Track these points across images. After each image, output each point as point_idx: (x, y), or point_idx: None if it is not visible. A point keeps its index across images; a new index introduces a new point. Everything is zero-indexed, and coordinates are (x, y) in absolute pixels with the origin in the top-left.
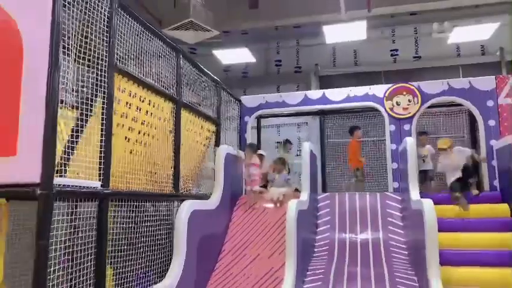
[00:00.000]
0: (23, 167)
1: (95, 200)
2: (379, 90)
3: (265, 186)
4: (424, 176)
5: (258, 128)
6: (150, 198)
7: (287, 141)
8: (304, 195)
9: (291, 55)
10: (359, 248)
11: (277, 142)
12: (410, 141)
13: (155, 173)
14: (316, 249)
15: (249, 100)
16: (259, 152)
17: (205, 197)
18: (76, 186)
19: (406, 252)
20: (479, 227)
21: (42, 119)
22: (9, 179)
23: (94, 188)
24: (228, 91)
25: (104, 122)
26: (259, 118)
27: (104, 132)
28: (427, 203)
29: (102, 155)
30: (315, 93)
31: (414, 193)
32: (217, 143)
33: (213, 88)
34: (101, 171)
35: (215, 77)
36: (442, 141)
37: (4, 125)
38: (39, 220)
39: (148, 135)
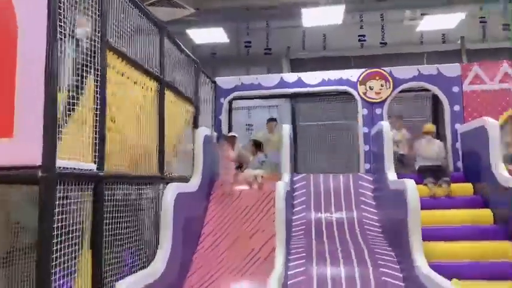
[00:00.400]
0: (22, 149)
1: (90, 183)
2: (353, 74)
3: (239, 167)
4: (399, 160)
5: (230, 110)
6: (140, 180)
7: (272, 120)
8: (286, 177)
9: (261, 37)
10: (335, 226)
11: (248, 124)
12: (386, 125)
13: (141, 156)
14: (293, 229)
15: (224, 81)
16: (232, 133)
17: (185, 179)
18: (74, 168)
19: (380, 230)
20: (449, 204)
21: (41, 98)
22: (5, 162)
23: (90, 170)
24: (204, 72)
25: (98, 101)
26: (230, 101)
27: (97, 112)
28: (410, 183)
29: (97, 135)
30: (290, 77)
31: (391, 174)
32: (195, 125)
33: (191, 69)
34: (96, 153)
35: (194, 58)
36: (431, 126)
37: None
38: (41, 204)
39: (135, 115)
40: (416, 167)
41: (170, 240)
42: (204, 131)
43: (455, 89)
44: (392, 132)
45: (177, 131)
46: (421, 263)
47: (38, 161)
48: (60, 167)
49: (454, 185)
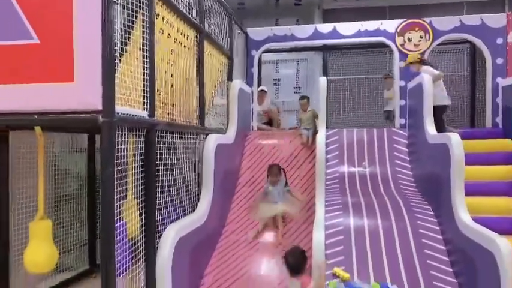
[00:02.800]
0: (82, 93)
1: (143, 130)
2: (391, 25)
3: (269, 123)
4: (388, 115)
5: (259, 63)
6: (184, 130)
7: (304, 97)
8: (323, 129)
9: None
10: (369, 181)
11: (275, 79)
12: (427, 78)
13: (184, 107)
14: (327, 183)
15: (256, 33)
16: (262, 88)
17: (221, 131)
18: (131, 114)
19: (415, 185)
20: (488, 160)
21: (99, 42)
22: (66, 106)
23: (143, 117)
24: (237, 23)
25: (147, 48)
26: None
27: (147, 60)
28: (455, 137)
29: (147, 83)
30: (325, 27)
31: (431, 128)
32: (229, 78)
33: (225, 20)
34: (147, 100)
35: (229, 8)
36: (410, 56)
37: (57, 49)
38: (103, 149)
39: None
40: None
41: (212, 187)
42: (238, 83)
43: (499, 40)
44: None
45: (213, 83)
46: (464, 216)
47: (99, 106)
48: (118, 113)
49: (493, 141)
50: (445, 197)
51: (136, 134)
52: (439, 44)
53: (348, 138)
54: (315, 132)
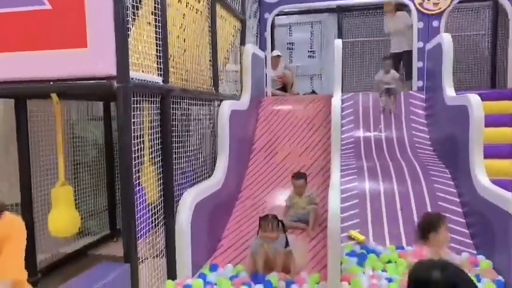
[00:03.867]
0: (96, 59)
1: (158, 96)
2: None
3: (283, 89)
4: (387, 93)
5: (272, 27)
6: (199, 96)
7: (302, 177)
8: (338, 94)
9: None
10: (385, 145)
11: (289, 43)
12: (447, 38)
13: (198, 73)
14: (342, 148)
15: None
16: (276, 52)
17: (235, 98)
18: (145, 80)
19: (432, 149)
20: (505, 122)
21: (111, 5)
22: (80, 73)
23: (157, 83)
24: None
25: (158, 12)
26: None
27: (159, 24)
28: (474, 98)
29: (160, 48)
30: None
31: (450, 90)
32: (242, 42)
33: None
34: (160, 66)
35: None
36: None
37: (69, 15)
38: (119, 116)
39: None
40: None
41: (227, 153)
42: (251, 48)
43: None
44: (381, 74)
45: (226, 48)
46: (482, 179)
47: (113, 72)
48: (132, 78)
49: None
50: (463, 159)
51: (151, 101)
52: (459, 2)
53: (364, 102)
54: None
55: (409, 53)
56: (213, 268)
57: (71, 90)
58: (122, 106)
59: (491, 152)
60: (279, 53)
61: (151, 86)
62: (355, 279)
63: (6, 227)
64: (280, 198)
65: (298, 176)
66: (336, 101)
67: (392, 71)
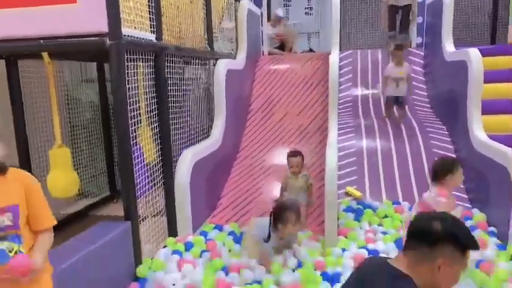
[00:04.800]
0: (86, 16)
1: (152, 54)
2: None
3: (281, 47)
4: (395, 101)
5: None
6: (194, 54)
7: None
8: (336, 51)
9: None
10: (382, 103)
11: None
12: None
13: (192, 30)
14: (340, 106)
15: None
16: (278, 13)
17: (231, 56)
18: (138, 37)
19: (429, 106)
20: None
21: None
22: (70, 30)
23: (151, 40)
24: None
25: None
26: None
27: None
28: (474, 53)
29: (152, 4)
30: None
31: (449, 45)
32: None
33: None
34: (153, 23)
35: None
36: None
37: None
38: (113, 74)
39: None
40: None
41: (224, 113)
42: (247, 4)
43: None
44: (391, 67)
45: (221, 4)
46: (479, 133)
47: (104, 28)
48: (125, 35)
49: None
50: (461, 115)
51: (145, 59)
52: None
53: (362, 60)
54: (311, 204)
55: (407, 7)
56: (216, 227)
57: (61, 48)
58: (115, 64)
59: (489, 108)
60: (281, 15)
61: (145, 43)
62: (352, 233)
63: (22, 179)
64: (279, 158)
65: (294, 153)
66: (334, 58)
67: (405, 64)
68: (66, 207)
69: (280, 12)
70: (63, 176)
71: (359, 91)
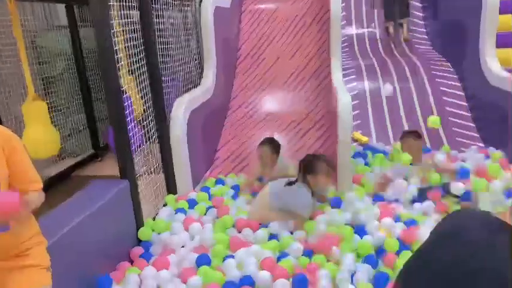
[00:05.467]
0: None
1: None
2: None
3: None
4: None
5: None
6: None
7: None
8: None
9: None
10: (379, 42)
11: None
12: None
13: None
14: None
15: None
16: None
17: None
18: None
19: (430, 42)
20: None
21: None
22: None
23: None
24: None
25: None
26: None
27: None
28: None
29: None
30: None
31: None
32: None
33: None
34: None
35: None
36: None
37: None
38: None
39: None
40: None
41: (214, 58)
42: None
43: None
44: None
45: None
46: (495, 66)
47: None
48: None
49: None
50: (471, 49)
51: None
52: None
53: None
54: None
55: None
56: (219, 181)
57: None
58: (98, 8)
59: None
60: None
61: None
62: (365, 178)
63: (3, 138)
64: (273, 106)
65: (262, 142)
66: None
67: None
68: (46, 169)
69: None
70: (41, 132)
71: (353, 30)
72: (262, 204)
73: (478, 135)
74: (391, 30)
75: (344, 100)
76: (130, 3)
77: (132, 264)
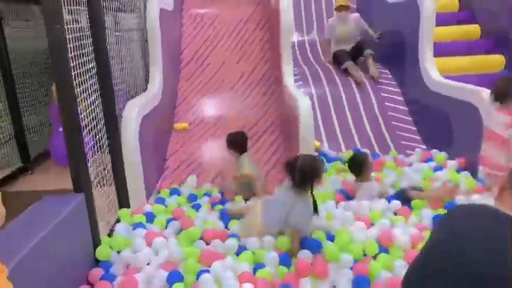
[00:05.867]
0: None
1: None
2: None
3: None
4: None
5: None
6: None
7: None
8: None
9: None
10: (319, 49)
11: None
12: None
13: None
14: None
15: None
16: None
17: None
18: None
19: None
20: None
21: None
22: None
23: None
24: None
25: None
26: None
27: None
28: None
29: None
30: None
31: None
32: None
33: None
34: None
35: None
36: None
37: None
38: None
39: None
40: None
41: (160, 62)
42: None
43: None
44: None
45: None
46: (434, 74)
47: None
48: None
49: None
50: (410, 58)
51: None
52: None
53: (296, 4)
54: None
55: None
56: (174, 192)
57: None
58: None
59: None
60: None
61: None
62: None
63: None
64: (221, 112)
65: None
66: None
67: (354, 16)
68: None
69: None
70: None
71: (295, 36)
72: (253, 225)
73: (419, 138)
74: (352, 71)
75: (304, 103)
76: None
77: None
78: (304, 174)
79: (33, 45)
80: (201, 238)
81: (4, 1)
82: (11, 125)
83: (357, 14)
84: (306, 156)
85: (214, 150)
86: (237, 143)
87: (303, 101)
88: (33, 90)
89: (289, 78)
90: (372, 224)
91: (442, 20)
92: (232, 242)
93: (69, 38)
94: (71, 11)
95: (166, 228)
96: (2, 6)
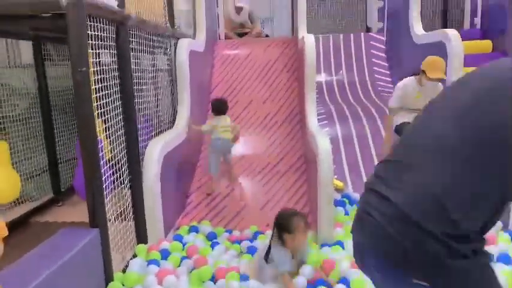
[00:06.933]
0: None
1: (113, 24)
2: None
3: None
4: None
5: None
6: (157, 31)
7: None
8: (305, 31)
9: None
10: (347, 88)
11: None
12: None
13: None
14: None
15: None
16: (239, 3)
17: (188, 36)
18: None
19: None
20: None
21: None
22: None
23: (112, 7)
24: None
25: None
26: None
27: None
28: (453, 34)
29: None
30: None
31: (418, 28)
32: None
33: None
34: None
35: None
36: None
37: None
38: (73, 42)
39: None
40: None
41: (188, 100)
42: None
43: None
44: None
45: None
46: None
47: None
48: None
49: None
50: None
51: (107, 28)
52: None
53: (324, 46)
54: None
55: None
56: (193, 229)
57: (7, 10)
58: (75, 30)
59: None
60: (242, 4)
61: (106, 9)
62: (346, 226)
63: None
64: (247, 150)
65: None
66: (310, 39)
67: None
68: (1, 215)
69: (241, 3)
70: (2, 176)
71: (323, 77)
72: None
73: None
74: None
75: (323, 142)
76: (106, 44)
77: None
78: (277, 227)
79: (70, 83)
80: (213, 278)
81: (50, 42)
82: (45, 158)
83: None
84: (284, 212)
85: (236, 188)
86: (213, 106)
87: (322, 141)
88: (68, 124)
89: (312, 118)
90: None
91: (474, 61)
92: (235, 284)
93: (95, 79)
94: (97, 54)
95: (179, 266)
96: (49, 46)
